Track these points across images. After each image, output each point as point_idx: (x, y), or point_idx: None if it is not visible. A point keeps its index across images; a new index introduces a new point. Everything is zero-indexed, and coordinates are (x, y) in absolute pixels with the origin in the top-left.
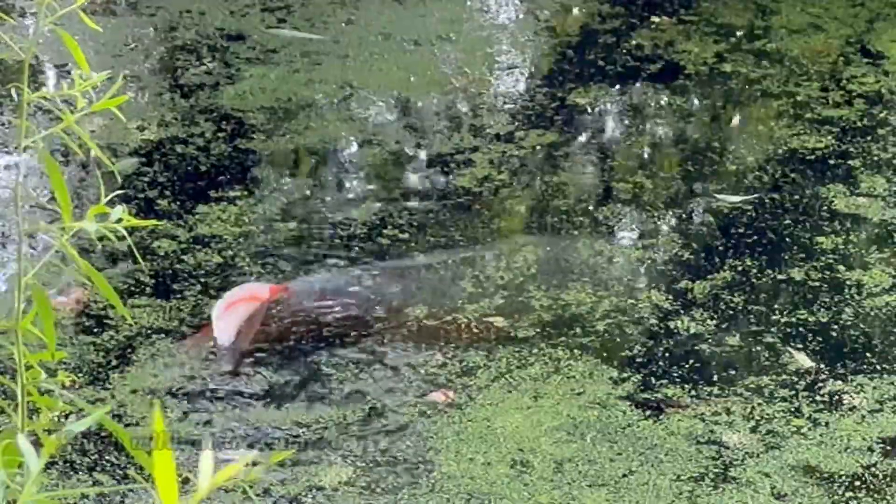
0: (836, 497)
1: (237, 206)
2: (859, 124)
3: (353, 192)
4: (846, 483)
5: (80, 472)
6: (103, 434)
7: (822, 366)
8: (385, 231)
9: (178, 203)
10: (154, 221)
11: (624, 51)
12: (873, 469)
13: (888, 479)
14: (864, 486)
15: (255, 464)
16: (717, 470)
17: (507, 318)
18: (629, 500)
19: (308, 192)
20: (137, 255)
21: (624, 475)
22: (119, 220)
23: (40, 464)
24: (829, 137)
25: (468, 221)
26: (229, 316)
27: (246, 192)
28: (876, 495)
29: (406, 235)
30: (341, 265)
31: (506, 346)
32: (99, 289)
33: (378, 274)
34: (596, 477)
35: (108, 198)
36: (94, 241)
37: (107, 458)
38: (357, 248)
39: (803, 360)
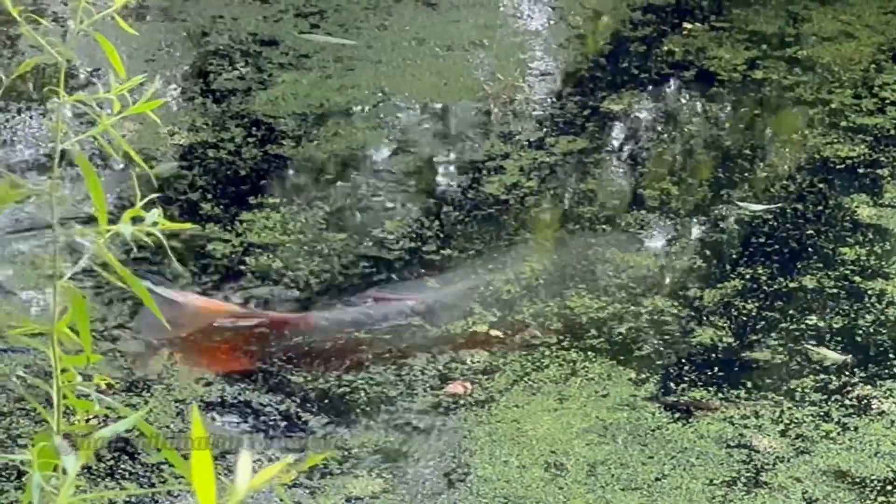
0: (867, 502)
1: (261, 213)
2: (893, 132)
3: (383, 199)
4: (878, 488)
5: (98, 479)
6: (117, 441)
7: (853, 370)
8: (411, 239)
9: (219, 207)
10: (189, 225)
11: (655, 57)
12: None
13: None
14: (895, 489)
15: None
16: (748, 474)
17: (521, 322)
18: None
19: (335, 200)
20: (171, 257)
21: (657, 479)
22: (155, 224)
23: (77, 466)
24: (862, 146)
25: (494, 229)
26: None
27: (275, 199)
28: None
29: (433, 245)
30: (365, 279)
31: (520, 350)
32: (136, 292)
33: (393, 287)
34: (629, 480)
35: (144, 201)
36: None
37: (122, 466)
38: (386, 259)
39: (833, 357)
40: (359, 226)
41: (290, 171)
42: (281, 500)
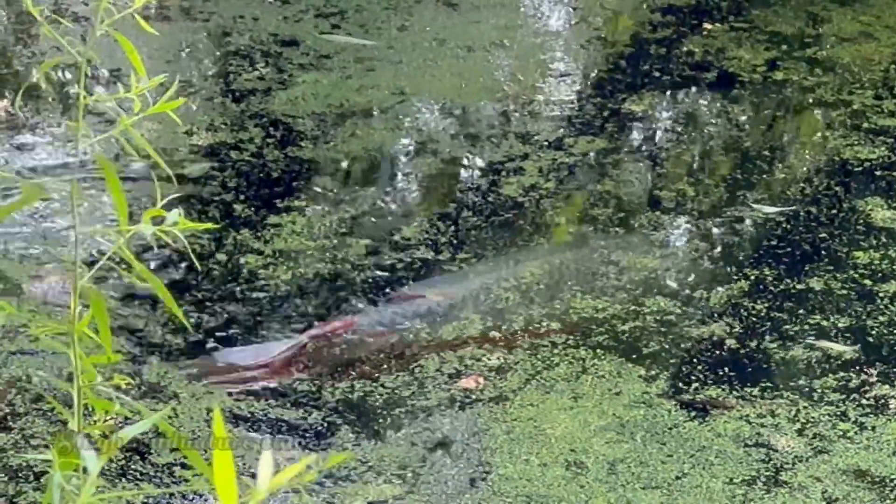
0: (888, 502)
1: (275, 216)
2: None
3: (401, 200)
4: None
5: (111, 479)
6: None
7: (867, 369)
8: (428, 240)
9: (250, 209)
10: (210, 225)
11: (675, 58)
12: None
13: None
14: None
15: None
16: (768, 473)
17: (532, 322)
18: (683, 503)
19: (352, 201)
20: (192, 257)
21: (677, 477)
22: (175, 224)
23: (98, 465)
24: (882, 148)
25: (510, 229)
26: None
27: (293, 200)
28: None
29: (450, 247)
30: (385, 280)
31: (527, 348)
32: (159, 294)
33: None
34: (649, 479)
35: (165, 200)
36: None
37: (133, 466)
38: (401, 261)
39: (838, 348)
40: (376, 227)
41: (310, 173)
42: (303, 501)
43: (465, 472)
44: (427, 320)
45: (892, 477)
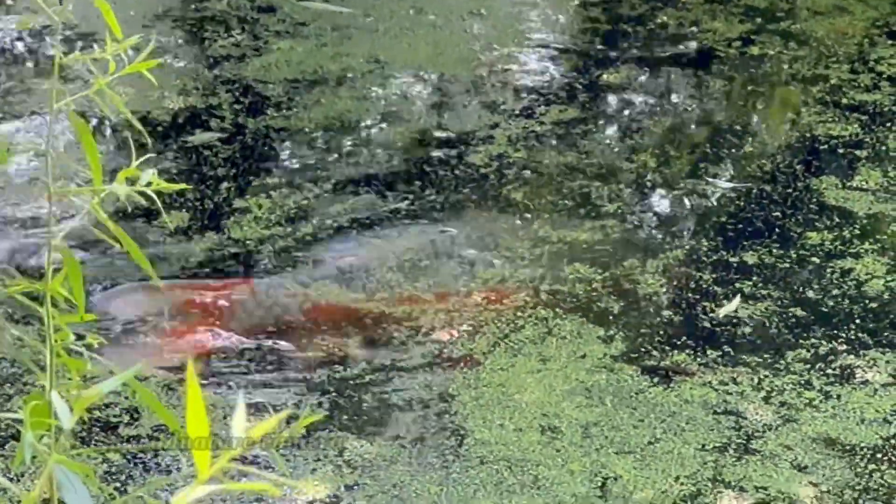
0: (858, 470)
1: (240, 180)
2: (887, 110)
3: (357, 165)
4: (868, 456)
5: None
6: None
7: (835, 344)
8: (388, 207)
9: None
10: (184, 185)
11: (650, 30)
12: (893, 441)
13: None
14: (885, 458)
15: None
16: (739, 440)
17: (491, 286)
18: (656, 469)
19: (318, 166)
20: (163, 213)
21: (649, 443)
22: (149, 184)
23: (71, 422)
24: (856, 125)
25: (465, 197)
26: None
27: (257, 164)
28: None
29: (408, 211)
30: (341, 241)
31: (493, 312)
32: (127, 249)
33: (364, 251)
34: (622, 444)
35: (140, 160)
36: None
37: (97, 438)
38: (361, 224)
39: (730, 306)
40: (332, 197)
41: (273, 137)
42: (274, 458)
43: (440, 437)
44: (341, 280)
45: (863, 445)
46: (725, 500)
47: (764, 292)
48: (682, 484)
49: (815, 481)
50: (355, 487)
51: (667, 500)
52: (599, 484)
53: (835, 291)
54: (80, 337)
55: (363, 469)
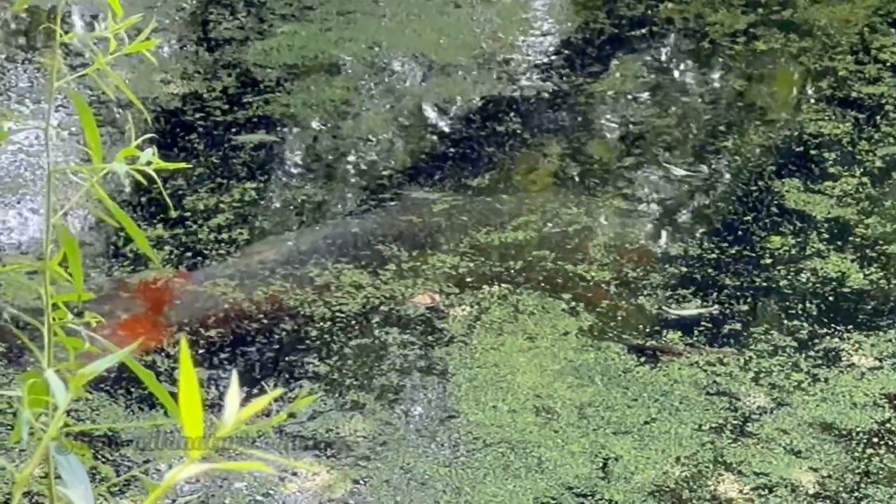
0: (856, 453)
1: (228, 162)
2: (885, 103)
3: (353, 153)
4: (864, 440)
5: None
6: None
7: (818, 327)
8: (377, 188)
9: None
10: (184, 164)
11: (652, 21)
12: (888, 425)
13: None
14: (882, 442)
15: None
16: (735, 422)
17: (458, 262)
18: (655, 449)
19: (310, 154)
20: (167, 201)
21: (645, 422)
22: (148, 163)
23: (67, 399)
24: (849, 125)
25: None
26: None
27: (253, 148)
28: None
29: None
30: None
31: (466, 289)
32: (127, 230)
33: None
34: (619, 424)
35: (140, 139)
36: None
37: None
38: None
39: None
40: (324, 184)
41: (262, 121)
42: (262, 433)
43: (440, 419)
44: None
45: (858, 430)
46: (726, 484)
47: (738, 282)
48: (682, 465)
49: (815, 466)
50: (357, 468)
51: (668, 480)
52: (601, 465)
53: (812, 279)
54: (79, 315)
55: (368, 453)
